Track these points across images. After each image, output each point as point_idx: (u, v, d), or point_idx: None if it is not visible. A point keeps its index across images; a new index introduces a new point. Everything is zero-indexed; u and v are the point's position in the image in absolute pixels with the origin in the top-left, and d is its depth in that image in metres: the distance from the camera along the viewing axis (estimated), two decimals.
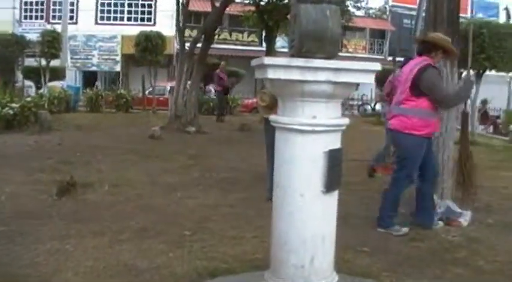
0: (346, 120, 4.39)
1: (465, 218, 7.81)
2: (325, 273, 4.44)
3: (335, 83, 4.10)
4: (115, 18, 44.94)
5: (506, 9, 30.05)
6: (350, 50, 51.25)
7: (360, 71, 4.23)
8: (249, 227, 7.25)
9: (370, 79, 4.28)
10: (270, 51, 25.96)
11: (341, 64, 4.12)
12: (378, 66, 4.30)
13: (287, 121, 4.26)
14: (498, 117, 28.55)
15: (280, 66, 4.08)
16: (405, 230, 7.28)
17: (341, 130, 4.39)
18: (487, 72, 20.68)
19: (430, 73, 7.03)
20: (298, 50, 4.15)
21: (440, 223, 7.65)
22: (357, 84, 4.61)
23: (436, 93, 7.07)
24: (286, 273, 4.35)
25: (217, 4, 21.09)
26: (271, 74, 4.09)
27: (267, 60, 4.15)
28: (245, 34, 47.49)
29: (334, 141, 4.33)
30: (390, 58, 44.79)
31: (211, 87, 33.44)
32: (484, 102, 27.44)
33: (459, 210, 7.91)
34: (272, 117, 4.49)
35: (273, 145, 4.56)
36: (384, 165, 10.97)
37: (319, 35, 4.09)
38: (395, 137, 7.47)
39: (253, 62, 4.40)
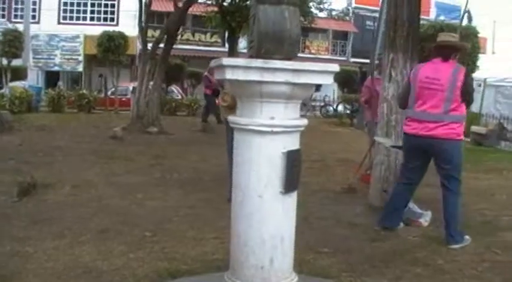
0: (305, 121, 4.40)
1: (425, 219, 7.87)
2: (285, 274, 4.44)
3: (294, 84, 4.10)
4: (78, 18, 44.48)
5: (468, 11, 30.26)
6: (313, 51, 51.43)
7: (318, 72, 4.23)
8: (210, 227, 7.23)
9: (329, 80, 4.29)
10: (233, 52, 26.02)
11: (300, 65, 4.13)
12: (336, 68, 4.31)
13: (245, 122, 4.26)
14: None
15: (239, 67, 4.07)
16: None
17: (300, 131, 4.39)
18: None
19: (470, 78, 7.19)
20: (257, 51, 4.16)
21: (401, 224, 7.70)
22: (319, 86, 4.62)
23: (472, 97, 7.18)
24: (246, 274, 4.35)
25: (180, 4, 21.05)
26: (230, 75, 4.07)
27: (226, 60, 4.13)
28: (208, 35, 47.34)
29: (293, 142, 4.33)
30: (353, 60, 45.17)
31: (173, 88, 33.37)
32: None
33: (420, 210, 7.97)
34: (230, 118, 4.49)
35: (233, 146, 4.55)
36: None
37: (277, 36, 4.11)
38: (451, 145, 7.03)
39: (212, 63, 4.39)
